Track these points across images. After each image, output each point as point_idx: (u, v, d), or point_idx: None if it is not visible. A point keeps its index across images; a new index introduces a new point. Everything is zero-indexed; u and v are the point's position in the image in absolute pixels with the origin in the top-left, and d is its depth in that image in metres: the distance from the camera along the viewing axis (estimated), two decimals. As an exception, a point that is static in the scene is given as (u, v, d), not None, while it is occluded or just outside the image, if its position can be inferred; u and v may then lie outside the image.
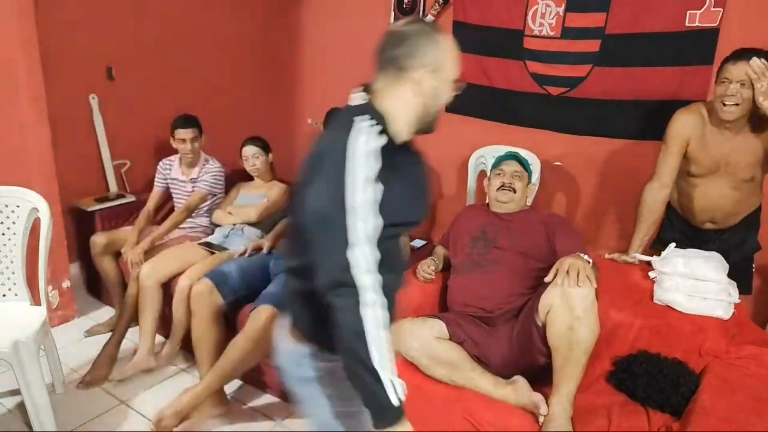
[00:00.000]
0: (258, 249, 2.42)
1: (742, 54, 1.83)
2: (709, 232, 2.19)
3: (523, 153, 3.09)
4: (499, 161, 2.24)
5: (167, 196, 2.94)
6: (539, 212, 2.19)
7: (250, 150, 2.84)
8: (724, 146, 1.98)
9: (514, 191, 2.13)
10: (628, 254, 2.17)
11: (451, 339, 1.84)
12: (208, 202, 2.83)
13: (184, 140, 2.72)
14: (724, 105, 1.87)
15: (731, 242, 2.16)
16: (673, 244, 2.01)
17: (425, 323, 1.86)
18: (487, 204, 2.28)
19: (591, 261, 1.75)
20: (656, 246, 2.29)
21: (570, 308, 1.61)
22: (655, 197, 2.12)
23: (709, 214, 2.14)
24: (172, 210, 2.89)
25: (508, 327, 1.88)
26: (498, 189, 2.14)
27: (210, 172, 2.79)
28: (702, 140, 2.00)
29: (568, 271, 1.65)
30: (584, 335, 1.60)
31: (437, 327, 1.85)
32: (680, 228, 2.26)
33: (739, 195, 2.07)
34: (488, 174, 2.29)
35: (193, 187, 2.80)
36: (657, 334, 1.91)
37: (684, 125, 2.03)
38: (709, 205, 2.12)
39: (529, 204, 2.31)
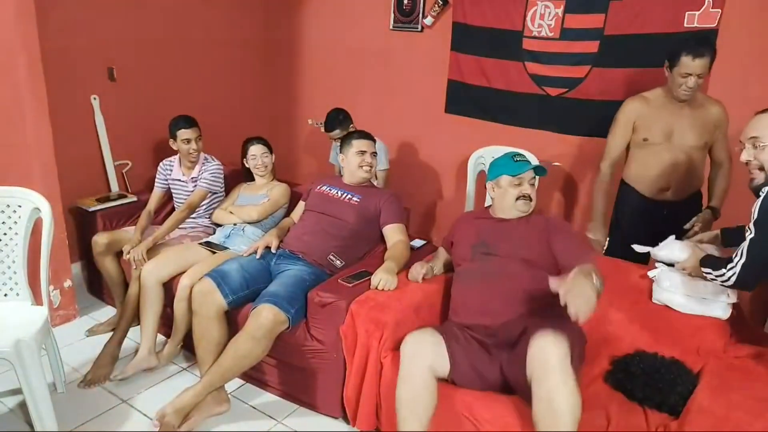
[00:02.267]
0: (267, 248, 2.41)
1: (699, 51, 2.13)
2: (663, 204, 2.40)
3: (523, 153, 3.12)
4: (517, 170, 2.04)
5: (167, 197, 2.95)
6: (538, 216, 2.11)
7: (258, 149, 2.85)
8: (670, 117, 2.30)
9: (531, 199, 2.06)
10: (590, 230, 2.49)
11: (450, 373, 1.76)
12: (207, 200, 2.84)
13: (188, 140, 2.73)
14: (683, 90, 2.20)
15: (681, 215, 2.32)
16: (672, 236, 2.01)
17: (425, 349, 1.75)
18: (488, 208, 2.20)
19: (599, 279, 1.66)
20: (613, 228, 2.54)
21: (547, 375, 1.48)
22: (606, 173, 2.46)
23: (665, 179, 2.37)
24: (173, 210, 2.90)
25: (505, 355, 1.78)
26: (518, 199, 2.03)
27: (209, 170, 2.81)
28: (648, 115, 2.33)
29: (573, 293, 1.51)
30: (564, 408, 1.45)
31: (438, 361, 1.75)
32: (633, 202, 2.47)
33: (691, 162, 2.34)
34: (496, 179, 2.08)
35: (194, 186, 2.81)
36: (655, 333, 1.92)
37: (626, 110, 2.37)
38: (665, 171, 2.36)
39: None
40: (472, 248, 2.06)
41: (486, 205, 2.41)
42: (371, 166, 2.50)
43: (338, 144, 3.20)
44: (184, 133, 2.72)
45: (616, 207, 2.55)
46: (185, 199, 2.81)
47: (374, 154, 2.53)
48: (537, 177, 2.11)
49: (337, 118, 3.09)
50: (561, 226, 2.06)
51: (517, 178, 2.04)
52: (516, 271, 1.92)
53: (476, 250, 2.05)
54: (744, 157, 1.68)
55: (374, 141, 2.56)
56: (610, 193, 2.49)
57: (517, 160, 2.07)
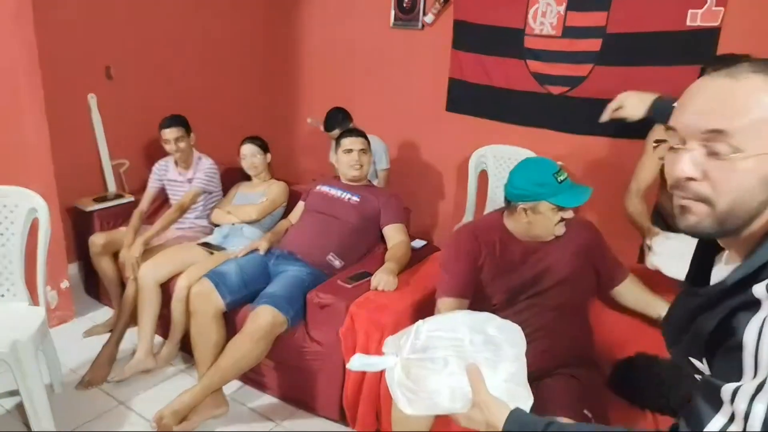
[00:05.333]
0: (255, 249, 2.40)
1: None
2: None
3: (525, 153, 3.08)
4: (570, 202, 1.66)
5: (162, 197, 2.93)
6: (577, 226, 1.78)
7: (248, 149, 2.83)
8: None
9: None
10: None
11: None
12: (202, 201, 2.81)
13: (168, 141, 2.70)
14: None
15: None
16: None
17: None
18: (497, 218, 1.81)
19: None
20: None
21: None
22: (636, 206, 2.08)
23: None
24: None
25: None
26: (558, 223, 1.70)
27: (202, 169, 2.78)
28: None
29: None
30: None
31: None
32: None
33: None
34: (533, 203, 1.67)
35: (190, 187, 2.79)
36: (656, 334, 1.90)
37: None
38: None
39: None
40: (509, 293, 1.72)
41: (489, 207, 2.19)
42: (361, 165, 2.47)
43: (337, 144, 3.19)
44: (164, 133, 2.70)
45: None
46: (182, 198, 2.79)
47: (364, 151, 2.49)
48: None
49: (337, 118, 3.07)
50: (600, 240, 1.81)
51: (559, 206, 1.66)
52: (564, 316, 1.70)
53: (514, 294, 1.71)
54: (686, 169, 0.73)
55: (365, 138, 2.54)
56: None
57: (562, 180, 1.65)
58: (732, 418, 0.67)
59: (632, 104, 1.53)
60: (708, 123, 0.71)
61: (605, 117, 1.61)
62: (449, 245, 1.83)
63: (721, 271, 0.83)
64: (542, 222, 1.69)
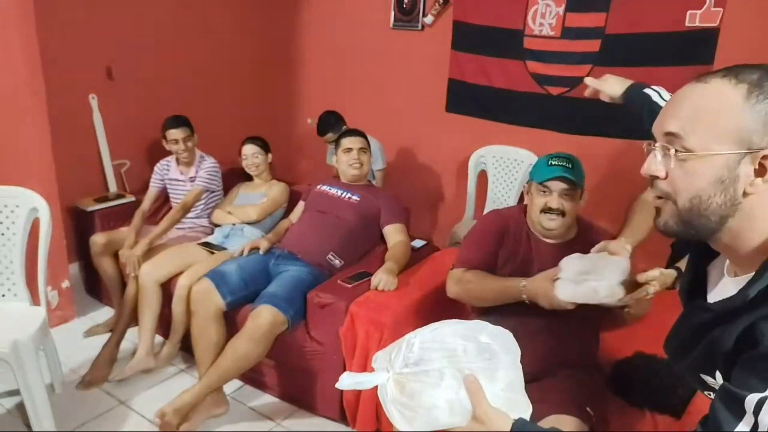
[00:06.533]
0: (255, 248, 2.42)
1: None
2: None
3: (524, 153, 3.09)
4: (543, 176, 1.67)
5: (163, 197, 2.94)
6: (597, 233, 1.75)
7: (249, 149, 2.84)
8: None
9: (564, 215, 1.67)
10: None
11: None
12: (204, 200, 2.82)
13: (176, 141, 2.71)
14: None
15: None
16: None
17: None
18: (525, 212, 1.80)
19: None
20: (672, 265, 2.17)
21: None
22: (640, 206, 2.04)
23: None
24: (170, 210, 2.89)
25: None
26: (542, 212, 1.68)
27: (204, 168, 2.79)
28: None
29: None
30: None
31: None
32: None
33: None
34: (529, 183, 1.75)
35: (192, 186, 2.80)
36: (655, 334, 1.90)
37: None
38: None
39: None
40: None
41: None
42: (361, 163, 2.49)
43: (333, 146, 3.19)
44: (171, 134, 2.71)
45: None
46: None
47: (363, 150, 2.51)
48: (579, 188, 1.69)
49: (329, 121, 3.07)
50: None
51: (543, 186, 1.66)
52: (571, 326, 1.63)
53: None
54: (649, 167, 0.79)
55: (364, 137, 2.55)
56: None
57: (551, 164, 1.67)
58: (755, 429, 0.66)
59: (612, 83, 1.62)
60: (666, 126, 0.75)
61: (589, 87, 1.67)
62: (479, 223, 1.89)
63: (728, 285, 0.82)
64: (531, 205, 1.73)
